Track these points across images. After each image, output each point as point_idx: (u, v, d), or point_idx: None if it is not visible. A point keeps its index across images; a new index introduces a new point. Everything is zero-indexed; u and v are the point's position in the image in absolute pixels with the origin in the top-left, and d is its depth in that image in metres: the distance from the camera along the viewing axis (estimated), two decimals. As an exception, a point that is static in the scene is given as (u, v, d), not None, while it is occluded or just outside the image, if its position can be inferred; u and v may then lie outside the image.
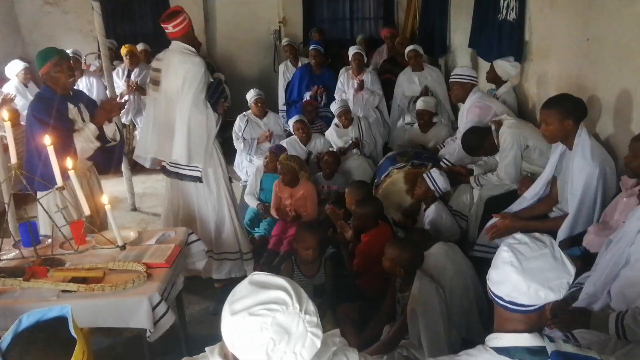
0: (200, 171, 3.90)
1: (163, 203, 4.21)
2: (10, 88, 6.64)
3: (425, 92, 6.22)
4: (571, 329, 2.36)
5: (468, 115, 4.63)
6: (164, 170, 4.08)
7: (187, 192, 4.00)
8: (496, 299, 1.61)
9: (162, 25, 3.73)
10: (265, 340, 1.36)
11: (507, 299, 1.57)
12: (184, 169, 3.93)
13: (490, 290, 1.63)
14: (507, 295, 1.57)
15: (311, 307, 1.43)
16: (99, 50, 5.90)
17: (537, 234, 1.62)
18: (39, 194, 3.25)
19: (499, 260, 1.59)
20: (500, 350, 1.59)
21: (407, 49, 6.46)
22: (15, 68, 6.78)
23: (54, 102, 3.44)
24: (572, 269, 1.57)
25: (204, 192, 3.96)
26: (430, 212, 4.14)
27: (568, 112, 3.09)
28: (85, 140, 3.58)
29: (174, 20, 3.68)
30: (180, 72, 3.68)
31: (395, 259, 3.03)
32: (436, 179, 4.11)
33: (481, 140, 4.22)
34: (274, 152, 5.13)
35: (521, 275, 1.52)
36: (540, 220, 3.40)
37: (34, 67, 6.62)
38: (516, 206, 3.56)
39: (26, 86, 6.82)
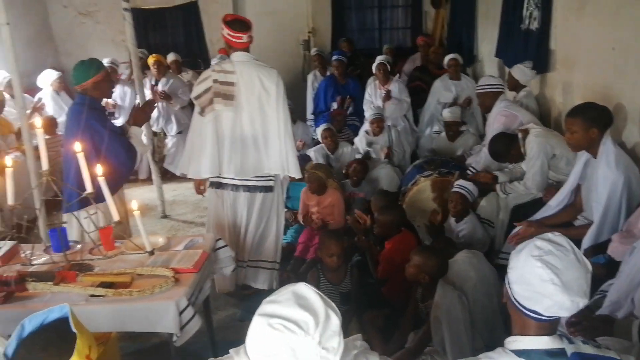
0: (273, 180, 3.88)
1: (210, 217, 4.09)
2: (43, 96, 6.84)
3: (468, 103, 6.19)
4: (594, 337, 2.33)
5: (495, 123, 4.62)
6: (217, 185, 3.92)
7: (239, 203, 3.92)
8: (527, 311, 1.58)
9: (235, 34, 3.60)
10: (272, 353, 1.37)
11: (547, 314, 1.55)
12: (257, 181, 3.85)
13: (520, 303, 1.59)
14: (547, 311, 1.55)
15: (334, 344, 1.40)
16: (130, 59, 6.04)
17: (550, 236, 1.62)
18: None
19: (534, 277, 1.55)
20: (520, 353, 1.59)
21: (448, 57, 6.44)
22: (49, 77, 6.98)
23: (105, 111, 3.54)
24: (589, 264, 1.58)
25: (262, 201, 3.91)
26: (464, 226, 4.13)
27: (593, 121, 3.06)
28: (139, 143, 3.65)
29: (250, 30, 3.64)
30: (268, 85, 3.63)
31: (421, 265, 3.05)
32: (467, 186, 4.13)
33: (508, 147, 4.20)
34: (300, 164, 5.14)
35: (566, 293, 1.51)
36: (564, 228, 3.36)
37: (66, 77, 6.86)
38: (541, 214, 3.55)
39: (58, 94, 7.02)
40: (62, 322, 1.52)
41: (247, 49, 3.70)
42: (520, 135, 4.12)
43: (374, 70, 6.57)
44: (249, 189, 3.87)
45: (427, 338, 2.98)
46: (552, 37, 4.75)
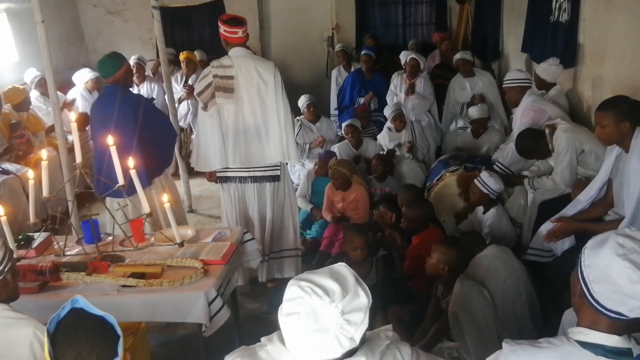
0: (279, 169, 4.00)
1: (225, 212, 4.18)
2: (74, 93, 6.97)
3: (479, 99, 6.14)
4: None
5: (522, 118, 4.56)
6: (226, 180, 4.05)
7: (247, 195, 4.06)
8: (608, 312, 1.51)
9: (231, 29, 3.75)
10: (294, 311, 1.42)
11: (632, 315, 1.49)
12: (264, 171, 3.98)
13: (600, 304, 1.52)
14: (631, 312, 1.48)
15: (356, 319, 1.42)
16: (157, 57, 6.11)
17: (629, 232, 1.55)
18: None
19: (621, 277, 1.47)
20: (584, 345, 1.54)
21: (455, 57, 6.43)
22: (84, 76, 7.11)
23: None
24: None
25: (272, 191, 4.04)
26: (490, 216, 4.11)
27: (624, 114, 3.01)
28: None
29: (244, 26, 3.78)
30: (266, 76, 3.77)
31: (441, 256, 3.07)
32: (487, 181, 4.07)
33: (536, 143, 4.15)
34: (323, 160, 5.18)
35: None
36: (596, 223, 3.32)
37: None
38: (570, 209, 3.49)
39: (90, 93, 7.14)
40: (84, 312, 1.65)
41: (244, 45, 3.84)
42: (547, 130, 4.07)
43: (405, 64, 6.55)
44: (256, 179, 4.00)
45: (444, 330, 2.99)
46: (580, 30, 4.67)
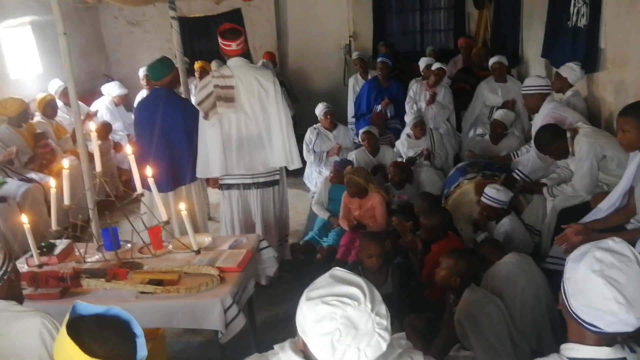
0: (278, 173, 4.17)
1: (224, 218, 4.40)
2: (99, 105, 7.10)
3: (512, 105, 6.09)
4: None
5: (542, 125, 4.51)
6: (228, 187, 4.24)
7: (250, 201, 4.24)
8: (587, 325, 1.50)
9: (225, 42, 3.92)
10: (332, 329, 1.39)
11: (609, 330, 1.48)
12: (267, 176, 4.17)
13: (579, 317, 1.51)
14: (609, 327, 1.47)
15: (383, 310, 1.44)
16: (177, 66, 6.19)
17: (610, 244, 1.52)
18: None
19: (595, 294, 1.46)
20: None
21: (492, 60, 6.38)
22: (114, 91, 7.28)
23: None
24: None
25: (273, 196, 4.22)
26: (504, 225, 4.06)
27: (648, 119, 2.96)
28: None
29: (239, 38, 3.92)
30: (266, 85, 3.90)
31: (451, 267, 3.03)
32: (493, 196, 4.04)
33: (553, 139, 4.06)
34: (338, 168, 5.17)
35: (631, 311, 1.43)
36: (617, 232, 3.25)
37: (129, 95, 7.14)
38: (591, 217, 3.42)
39: (116, 106, 7.28)
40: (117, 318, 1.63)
41: (242, 55, 4.00)
42: (569, 134, 4.01)
43: (428, 71, 6.56)
44: (259, 185, 4.19)
45: (449, 341, 2.95)
46: (601, 35, 4.62)
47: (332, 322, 1.39)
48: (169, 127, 4.12)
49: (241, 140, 4.01)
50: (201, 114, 4.01)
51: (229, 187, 4.23)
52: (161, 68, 4.18)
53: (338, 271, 1.52)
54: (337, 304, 1.40)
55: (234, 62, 3.98)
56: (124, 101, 7.37)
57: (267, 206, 4.28)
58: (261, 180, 4.19)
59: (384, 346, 1.43)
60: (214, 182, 4.28)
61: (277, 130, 3.98)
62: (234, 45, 3.91)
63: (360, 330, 1.40)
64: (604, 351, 1.51)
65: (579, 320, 1.52)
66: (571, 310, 1.54)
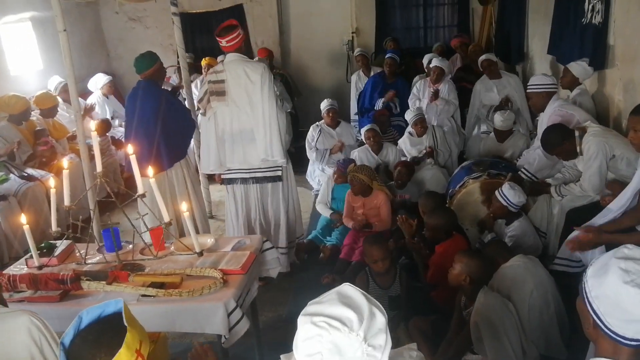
0: (280, 169, 4.14)
1: (230, 213, 4.36)
2: (92, 100, 7.03)
3: (506, 102, 6.03)
4: None
5: (549, 123, 4.44)
6: (229, 181, 4.25)
7: (250, 196, 4.23)
8: (630, 341, 1.43)
9: (218, 39, 3.95)
10: (315, 351, 1.34)
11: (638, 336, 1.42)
12: (265, 171, 4.15)
13: (619, 335, 1.44)
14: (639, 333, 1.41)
15: (380, 341, 1.36)
16: (177, 63, 6.14)
17: (627, 253, 1.46)
18: None
19: (633, 306, 1.39)
20: None
21: (480, 58, 6.34)
22: (99, 81, 7.18)
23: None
24: None
25: (273, 192, 4.21)
26: (514, 228, 3.98)
27: (660, 118, 2.90)
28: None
29: (229, 35, 3.92)
30: (254, 77, 3.91)
31: (463, 266, 2.99)
32: (507, 195, 3.94)
33: (561, 139, 3.98)
34: (341, 168, 5.11)
35: None
36: (627, 234, 3.19)
37: (117, 81, 7.07)
38: (600, 218, 3.33)
39: (107, 98, 7.20)
40: (118, 316, 1.55)
41: (240, 51, 4.01)
42: (577, 133, 3.93)
43: (425, 67, 6.48)
44: (257, 180, 4.19)
45: (466, 343, 2.91)
46: (610, 31, 4.54)
47: (317, 345, 1.34)
48: (147, 115, 4.21)
49: (234, 134, 4.06)
50: (200, 111, 4.12)
51: (230, 181, 4.26)
52: (142, 61, 4.30)
53: (348, 288, 1.45)
54: (325, 327, 1.34)
55: (229, 57, 4.03)
56: (113, 88, 7.32)
57: (268, 203, 4.26)
58: (259, 175, 4.18)
59: None
60: (218, 177, 4.34)
61: (260, 121, 3.97)
62: (223, 42, 3.94)
63: (346, 357, 1.33)
64: None
65: (619, 337, 1.44)
66: (609, 330, 1.45)
